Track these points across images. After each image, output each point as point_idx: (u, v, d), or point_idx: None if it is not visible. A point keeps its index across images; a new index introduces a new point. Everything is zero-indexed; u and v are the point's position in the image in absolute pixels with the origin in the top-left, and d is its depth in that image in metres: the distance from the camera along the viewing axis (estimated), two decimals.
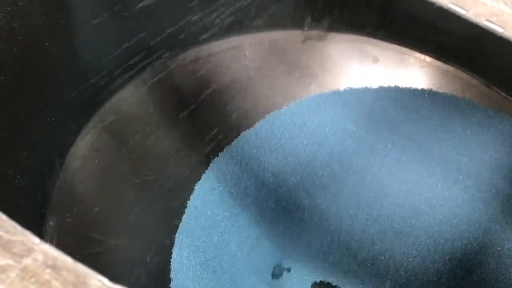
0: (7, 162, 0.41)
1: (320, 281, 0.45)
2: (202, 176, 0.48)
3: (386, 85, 0.52)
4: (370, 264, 0.44)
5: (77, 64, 0.46)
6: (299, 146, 0.49)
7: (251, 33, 0.53)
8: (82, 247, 0.43)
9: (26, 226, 0.22)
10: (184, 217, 0.46)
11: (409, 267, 0.44)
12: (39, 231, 0.42)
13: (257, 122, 0.51)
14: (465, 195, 0.46)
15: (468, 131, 0.49)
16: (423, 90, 0.51)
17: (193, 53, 0.52)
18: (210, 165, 0.49)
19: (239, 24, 0.52)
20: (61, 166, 0.45)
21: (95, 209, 0.45)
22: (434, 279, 0.44)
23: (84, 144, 0.47)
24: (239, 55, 0.53)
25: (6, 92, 0.40)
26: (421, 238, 0.45)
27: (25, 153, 0.42)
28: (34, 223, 0.42)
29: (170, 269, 0.44)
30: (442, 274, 0.44)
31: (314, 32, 0.53)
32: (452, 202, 0.46)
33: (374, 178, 0.48)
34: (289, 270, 0.45)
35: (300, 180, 0.48)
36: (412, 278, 0.44)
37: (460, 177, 0.47)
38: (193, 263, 0.44)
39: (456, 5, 0.28)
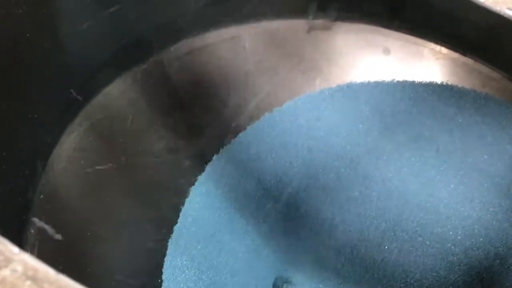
0: None
1: None
2: (197, 179, 0.48)
3: (398, 79, 0.52)
4: (378, 275, 0.44)
5: (61, 57, 0.46)
6: (303, 146, 0.49)
7: (251, 23, 0.53)
8: (65, 257, 0.43)
9: (4, 234, 0.22)
10: (177, 224, 0.46)
11: (421, 278, 0.44)
12: (19, 240, 0.42)
13: (257, 120, 0.51)
14: (485, 200, 0.46)
15: (488, 129, 0.49)
16: (438, 85, 0.51)
17: (187, 44, 0.52)
18: (206, 167, 0.49)
19: (237, 13, 0.52)
20: (43, 168, 0.45)
21: (81, 215, 0.45)
22: None
23: (69, 144, 0.47)
24: (238, 47, 0.53)
25: None
26: (435, 247, 0.45)
27: (4, 154, 0.42)
28: (13, 230, 0.42)
29: (162, 281, 0.44)
30: (458, 286, 0.44)
31: (319, 22, 0.53)
32: (470, 208, 0.46)
33: (385, 182, 0.48)
34: (291, 283, 0.45)
35: (304, 184, 0.48)
36: None
37: (480, 179, 0.47)
38: (186, 274, 0.44)
39: None
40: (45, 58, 0.44)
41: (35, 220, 0.43)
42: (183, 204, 0.47)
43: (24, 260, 0.22)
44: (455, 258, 0.44)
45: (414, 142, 0.49)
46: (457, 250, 0.44)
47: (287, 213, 0.47)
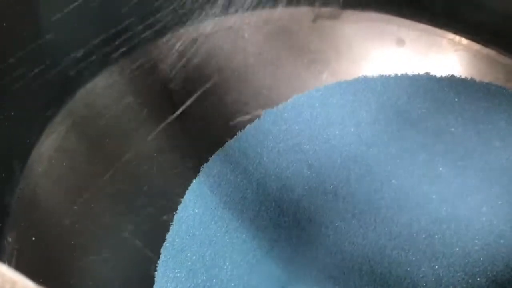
0: None
1: None
2: (191, 184, 0.48)
3: (413, 72, 0.52)
4: None
5: (41, 46, 0.46)
6: (309, 147, 0.49)
7: (251, 11, 0.53)
8: (47, 268, 0.43)
9: None
10: (170, 232, 0.46)
11: None
12: None
13: (257, 119, 0.51)
14: (509, 208, 0.46)
15: None
16: (458, 79, 0.51)
17: (180, 35, 0.53)
18: (201, 170, 0.49)
19: (236, 0, 0.52)
20: (21, 171, 0.45)
21: (63, 223, 0.45)
22: None
23: (49, 144, 0.47)
24: (236, 37, 0.53)
25: None
26: (455, 260, 0.45)
27: None
28: None
29: None
30: None
31: (326, 9, 0.53)
32: (497, 217, 0.46)
33: (399, 188, 0.47)
34: None
35: (309, 189, 0.48)
36: None
37: (503, 187, 0.47)
38: None
39: None
40: (23, 47, 0.44)
41: (13, 228, 0.43)
42: (176, 210, 0.47)
43: (1, 272, 0.22)
44: (477, 269, 0.44)
45: (431, 144, 0.49)
46: (487, 264, 0.44)
47: (290, 221, 0.47)
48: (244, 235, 0.46)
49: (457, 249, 0.45)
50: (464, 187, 0.47)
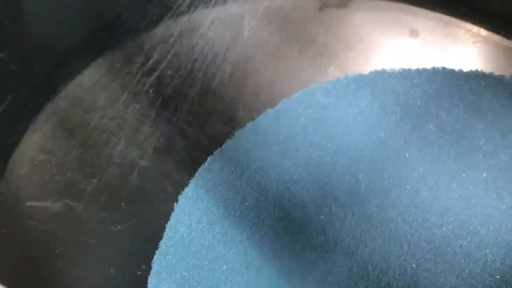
0: None
1: None
2: (187, 187, 0.48)
3: (428, 66, 0.52)
4: None
5: (24, 40, 0.46)
6: (314, 147, 0.49)
7: None
8: (29, 278, 0.42)
9: None
10: (163, 240, 0.46)
11: None
12: None
13: (259, 116, 0.51)
14: None
15: None
16: (476, 73, 0.51)
17: (174, 26, 0.53)
18: (197, 172, 0.49)
19: None
20: (2, 173, 0.45)
21: (47, 230, 0.45)
22: None
23: (33, 144, 0.47)
24: (236, 28, 0.53)
25: None
26: (474, 271, 0.44)
27: None
28: None
29: None
30: None
31: None
32: None
33: (411, 191, 0.47)
34: None
35: (314, 193, 0.48)
36: None
37: None
38: None
39: None
40: (5, 41, 0.44)
41: None
42: (170, 216, 0.47)
43: None
44: (498, 284, 0.44)
45: (447, 145, 0.49)
46: (496, 272, 0.44)
47: (293, 227, 0.47)
48: (243, 244, 0.46)
49: (476, 260, 0.45)
50: (484, 193, 0.47)
